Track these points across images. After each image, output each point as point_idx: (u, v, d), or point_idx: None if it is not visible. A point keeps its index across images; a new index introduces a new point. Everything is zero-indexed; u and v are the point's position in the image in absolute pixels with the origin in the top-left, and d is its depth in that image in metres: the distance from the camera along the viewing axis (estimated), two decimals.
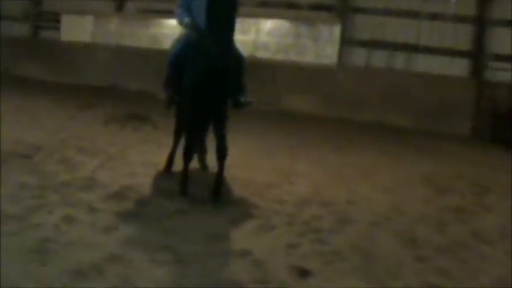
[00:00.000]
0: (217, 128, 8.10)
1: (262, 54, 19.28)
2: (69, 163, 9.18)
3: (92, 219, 6.61)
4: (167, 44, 21.48)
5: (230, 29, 7.35)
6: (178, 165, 8.71)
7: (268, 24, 19.53)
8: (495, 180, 10.93)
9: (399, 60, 18.68)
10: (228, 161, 9.32)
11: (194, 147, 8.33)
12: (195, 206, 7.47)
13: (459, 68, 18.21)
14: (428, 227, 7.56)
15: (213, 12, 7.31)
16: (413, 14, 18.48)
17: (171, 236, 6.30)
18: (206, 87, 7.64)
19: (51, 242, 5.75)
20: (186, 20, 8.27)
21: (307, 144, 12.52)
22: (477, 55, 17.97)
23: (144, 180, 8.56)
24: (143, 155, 10.40)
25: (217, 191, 7.92)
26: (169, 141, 11.80)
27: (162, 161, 9.93)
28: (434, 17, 18.34)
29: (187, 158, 8.15)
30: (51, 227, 6.20)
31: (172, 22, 21.52)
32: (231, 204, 7.75)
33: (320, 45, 19.22)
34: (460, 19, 18.17)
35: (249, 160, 10.07)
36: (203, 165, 9.49)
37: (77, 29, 22.75)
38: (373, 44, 18.80)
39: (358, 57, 19.04)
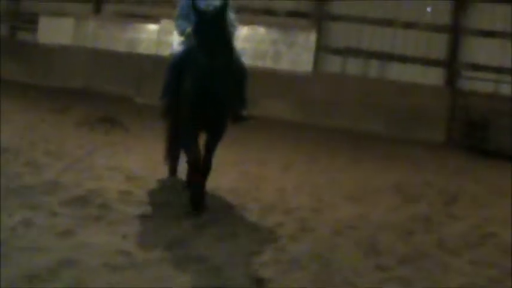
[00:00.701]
0: (210, 142, 7.88)
1: None
2: (35, 166, 9.07)
3: (51, 223, 6.48)
4: (143, 48, 21.62)
5: (221, 45, 7.12)
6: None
7: (244, 31, 19.48)
8: (464, 188, 10.97)
9: (374, 68, 18.71)
10: None
11: (198, 160, 7.76)
12: (158, 212, 7.37)
13: (433, 76, 18.32)
14: (393, 235, 7.50)
15: (201, 31, 7.14)
16: (389, 23, 18.56)
17: (129, 241, 6.20)
18: (200, 101, 7.43)
19: (5, 246, 5.63)
20: (187, 29, 8.07)
21: (278, 151, 12.49)
22: (451, 64, 18.06)
23: (108, 184, 8.45)
24: (111, 158, 10.31)
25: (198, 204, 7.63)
26: (139, 144, 11.81)
27: (128, 164, 9.87)
28: (409, 25, 18.45)
29: (195, 169, 7.75)
30: (7, 231, 6.08)
31: (149, 26, 21.63)
32: (192, 210, 7.64)
33: (296, 52, 19.25)
34: (434, 28, 18.29)
35: (217, 166, 9.98)
36: (173, 171, 9.35)
37: (54, 31, 22.60)
38: (348, 52, 18.85)
39: (333, 64, 19.10)
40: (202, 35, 7.14)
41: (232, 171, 7.30)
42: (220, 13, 7.21)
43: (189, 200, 7.63)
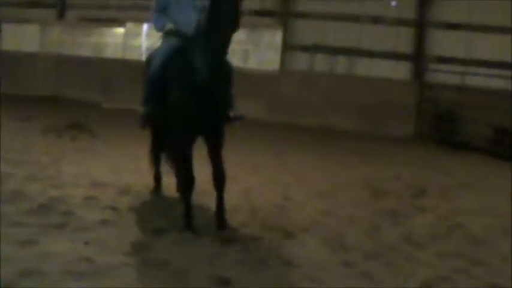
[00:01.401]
0: (212, 150, 7.23)
1: None
2: None
3: (13, 233, 6.38)
4: (109, 52, 21.49)
5: (229, 35, 6.47)
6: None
7: None
8: (433, 180, 11.03)
9: (341, 64, 18.74)
10: None
11: (193, 175, 7.14)
12: (120, 218, 7.28)
13: (400, 70, 18.39)
14: (359, 231, 7.50)
15: (215, 15, 6.39)
16: (355, 18, 18.58)
17: (91, 248, 6.12)
18: (197, 102, 6.81)
19: None
20: (168, 26, 7.64)
21: (245, 150, 12.44)
22: (418, 58, 18.13)
23: (73, 191, 8.35)
24: (77, 165, 10.20)
25: (222, 221, 7.18)
26: (106, 150, 11.72)
27: (94, 170, 9.77)
28: (375, 20, 18.48)
29: (188, 189, 7.17)
30: None
31: (115, 30, 21.50)
32: (155, 214, 7.58)
33: (263, 50, 19.24)
34: (400, 22, 18.33)
35: None
36: (158, 181, 8.85)
37: (19, 38, 22.39)
38: (314, 49, 18.84)
39: (301, 62, 19.08)
40: (217, 18, 6.38)
41: (198, 173, 7.22)
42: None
43: (183, 219, 7.11)
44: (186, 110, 6.89)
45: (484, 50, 17.54)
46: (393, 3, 18.49)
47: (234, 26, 6.45)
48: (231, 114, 7.22)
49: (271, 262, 6.08)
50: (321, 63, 18.91)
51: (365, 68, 18.64)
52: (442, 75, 17.56)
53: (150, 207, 7.90)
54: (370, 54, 18.57)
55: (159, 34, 7.98)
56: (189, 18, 7.16)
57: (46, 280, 5.23)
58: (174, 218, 7.35)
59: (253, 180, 9.92)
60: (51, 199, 7.84)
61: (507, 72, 16.66)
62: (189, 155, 7.12)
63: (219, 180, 7.23)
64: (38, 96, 20.38)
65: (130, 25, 21.16)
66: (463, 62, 17.65)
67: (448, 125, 16.78)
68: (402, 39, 18.38)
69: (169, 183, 8.65)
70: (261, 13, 19.26)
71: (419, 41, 18.18)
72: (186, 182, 7.18)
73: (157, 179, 8.78)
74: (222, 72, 6.81)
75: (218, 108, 6.99)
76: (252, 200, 8.65)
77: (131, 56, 21.06)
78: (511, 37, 17.13)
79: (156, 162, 8.72)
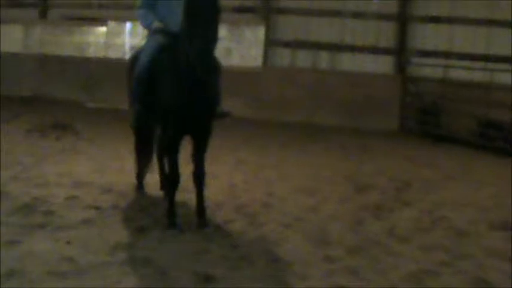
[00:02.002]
0: (198, 148, 7.20)
1: None
2: None
3: None
4: (92, 51, 21.39)
5: (214, 29, 6.47)
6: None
7: None
8: (417, 174, 11.03)
9: (324, 60, 18.73)
10: None
11: (178, 173, 7.12)
12: (102, 216, 7.24)
13: (383, 65, 18.40)
14: (343, 226, 7.49)
15: (194, 9, 6.40)
16: (336, 13, 18.56)
17: (73, 247, 6.09)
18: (189, 100, 6.74)
19: None
20: (155, 24, 7.46)
21: (228, 147, 12.40)
22: (400, 52, 18.15)
23: (56, 191, 8.31)
24: (60, 164, 10.15)
25: (203, 218, 7.13)
26: (90, 149, 11.67)
27: (78, 170, 9.72)
28: (357, 15, 18.47)
29: (173, 187, 7.14)
30: None
31: (97, 29, 21.40)
32: (138, 212, 7.55)
33: (245, 47, 19.19)
34: (382, 17, 18.34)
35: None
36: (140, 181, 8.79)
37: (2, 39, 22.20)
38: (297, 45, 18.82)
39: (283, 58, 19.05)
40: (199, 13, 6.37)
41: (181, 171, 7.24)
42: None
43: (166, 216, 7.10)
44: (175, 108, 6.83)
45: (466, 43, 17.57)
46: None
47: (214, 11, 6.44)
48: (219, 110, 7.17)
49: (255, 258, 6.06)
50: (303, 59, 18.88)
51: (348, 63, 18.62)
52: (425, 69, 17.59)
53: (133, 205, 7.88)
54: (353, 49, 18.57)
55: (144, 32, 7.85)
56: (177, 15, 6.93)
57: (29, 280, 5.22)
58: (157, 216, 7.33)
59: (236, 177, 9.91)
60: (34, 199, 7.83)
61: (490, 65, 16.70)
62: (177, 152, 7.09)
63: (199, 177, 7.19)
64: (21, 96, 20.23)
65: (112, 24, 21.05)
66: (446, 55, 17.67)
67: (431, 118, 16.83)
68: (384, 34, 18.39)
69: (152, 181, 8.64)
70: (242, 10, 19.20)
71: (402, 35, 18.18)
72: (171, 180, 7.14)
73: (140, 177, 8.72)
74: (212, 67, 6.64)
75: (208, 105, 6.94)
76: (236, 196, 8.63)
77: (114, 54, 20.96)
78: (493, 30, 17.17)
79: (139, 160, 8.64)
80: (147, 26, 7.70)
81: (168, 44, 7.15)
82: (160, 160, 8.46)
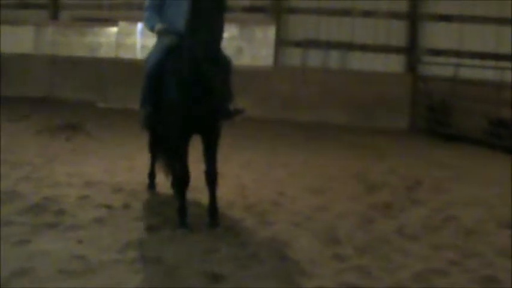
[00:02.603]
0: (208, 147, 7.20)
1: None
2: None
3: (7, 233, 6.40)
4: (103, 51, 21.47)
5: (219, 26, 6.49)
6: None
7: None
8: (427, 173, 11.01)
9: (334, 59, 18.73)
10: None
11: (188, 171, 7.15)
12: (113, 216, 7.30)
13: (394, 63, 18.38)
14: (352, 224, 7.51)
15: (199, 7, 6.43)
16: (346, 12, 18.56)
17: (84, 246, 6.15)
18: (194, 98, 6.77)
19: None
20: (159, 26, 7.51)
21: (239, 147, 12.42)
22: (411, 50, 18.13)
23: (66, 191, 8.37)
24: (71, 164, 10.21)
25: (214, 218, 7.17)
26: (100, 149, 11.73)
27: (88, 170, 9.78)
28: (367, 14, 18.45)
29: (184, 185, 7.20)
30: None
31: (108, 30, 21.48)
32: (149, 211, 7.60)
33: (256, 47, 19.22)
34: (392, 15, 18.31)
35: None
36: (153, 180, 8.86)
37: (14, 40, 22.32)
38: (307, 44, 18.82)
39: (294, 57, 19.05)
40: (202, 6, 6.41)
41: (191, 170, 7.29)
42: None
43: (177, 215, 7.13)
44: (182, 105, 6.85)
45: (476, 42, 17.53)
46: None
47: (218, 4, 6.47)
48: (231, 107, 7.12)
49: (265, 257, 6.09)
50: (314, 58, 18.88)
51: (358, 62, 18.61)
52: (435, 68, 17.57)
53: (144, 204, 7.94)
54: (363, 48, 18.56)
55: (154, 33, 7.88)
56: (184, 15, 6.90)
57: (38, 279, 5.27)
58: (167, 215, 7.38)
59: (246, 176, 9.93)
60: (45, 198, 7.88)
61: (500, 63, 16.68)
62: (186, 150, 7.11)
63: (211, 176, 7.21)
64: (32, 97, 20.32)
65: (123, 24, 21.11)
66: (456, 53, 17.64)
67: (442, 117, 16.78)
68: (395, 33, 18.37)
69: (162, 180, 8.68)
70: (253, 9, 19.23)
71: (412, 34, 18.16)
72: (181, 178, 7.18)
73: (152, 176, 8.78)
74: (220, 64, 6.66)
75: (215, 102, 6.89)
76: (245, 195, 8.67)
77: (125, 55, 21.03)
78: (503, 28, 17.14)
79: (152, 160, 8.71)
80: (150, 29, 7.74)
81: (175, 44, 7.16)
82: (153, 157, 8.61)
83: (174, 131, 7.15)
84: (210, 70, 6.49)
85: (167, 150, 8.17)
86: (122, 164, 10.42)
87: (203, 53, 6.42)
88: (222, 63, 6.82)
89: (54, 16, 22.25)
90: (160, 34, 7.61)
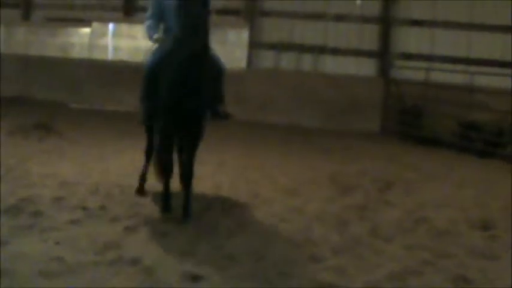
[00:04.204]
0: (187, 147, 7.54)
1: None
2: None
3: None
4: (76, 52, 21.38)
5: (203, 30, 6.82)
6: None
7: None
8: (399, 175, 11.14)
9: (307, 62, 18.85)
10: (128, 169, 9.29)
11: (172, 163, 7.61)
12: (89, 217, 7.30)
13: (366, 67, 18.59)
14: (327, 226, 7.59)
15: (183, 13, 6.79)
16: (320, 16, 18.70)
17: (62, 247, 6.13)
18: (178, 99, 7.09)
19: None
20: (156, 36, 7.83)
21: (212, 148, 12.35)
22: (383, 54, 18.32)
23: (42, 192, 8.32)
24: (45, 165, 10.14)
25: (187, 217, 7.37)
26: (74, 150, 11.67)
27: (62, 171, 9.74)
28: (340, 18, 18.61)
29: (168, 174, 7.58)
30: None
31: (81, 30, 21.40)
32: (127, 212, 7.61)
33: (229, 49, 19.24)
34: (365, 20, 18.50)
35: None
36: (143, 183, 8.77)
37: None
38: (281, 47, 18.93)
39: (267, 60, 19.17)
40: (185, 12, 6.75)
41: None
42: None
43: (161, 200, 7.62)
44: (169, 102, 7.17)
45: (447, 46, 17.79)
46: (358, 1, 18.63)
47: (203, 24, 6.79)
48: (220, 110, 7.61)
49: (242, 258, 6.14)
50: (287, 61, 19.02)
51: (331, 65, 18.80)
52: (407, 72, 17.78)
53: (120, 206, 7.91)
54: (336, 51, 18.74)
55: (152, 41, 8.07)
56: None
57: (17, 281, 5.23)
58: (144, 216, 7.40)
59: (221, 178, 9.97)
60: (20, 200, 7.78)
61: (471, 68, 16.94)
62: (170, 140, 7.52)
63: (187, 174, 7.48)
64: (4, 97, 20.13)
65: (96, 25, 21.05)
66: (428, 58, 17.88)
67: (413, 120, 17.00)
68: (367, 37, 18.58)
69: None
70: (227, 12, 19.28)
71: (384, 38, 18.39)
72: (165, 168, 7.55)
73: (143, 179, 8.67)
74: (206, 65, 7.01)
75: (199, 102, 7.17)
76: (221, 197, 8.72)
77: (98, 56, 20.96)
78: (473, 33, 17.41)
79: (147, 162, 8.66)
80: (149, 38, 8.00)
81: (169, 47, 7.36)
82: (147, 160, 8.60)
83: (162, 125, 7.49)
84: (194, 70, 6.87)
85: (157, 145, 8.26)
86: (96, 165, 10.39)
87: (189, 36, 6.72)
88: (210, 65, 7.20)
89: (26, 16, 22.12)
90: (157, 43, 7.90)
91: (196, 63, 6.88)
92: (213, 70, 7.40)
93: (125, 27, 20.63)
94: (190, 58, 6.83)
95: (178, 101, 7.12)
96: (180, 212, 7.45)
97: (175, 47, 7.01)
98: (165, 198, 7.56)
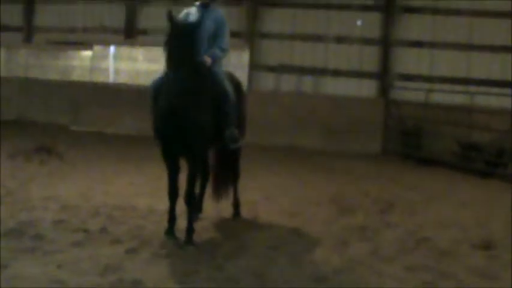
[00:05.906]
0: (189, 171, 7.61)
1: None
2: None
3: None
4: (77, 75, 21.44)
5: (186, 59, 7.09)
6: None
7: None
8: (400, 196, 11.14)
9: (308, 84, 18.90)
10: (128, 191, 9.31)
11: (176, 186, 7.66)
12: (90, 239, 7.31)
13: (366, 88, 18.59)
14: (328, 247, 7.59)
15: (169, 47, 7.13)
16: (320, 38, 18.77)
17: (63, 270, 6.14)
18: (166, 125, 7.38)
19: None
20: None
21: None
22: (383, 76, 18.35)
23: (43, 215, 8.35)
24: (46, 188, 10.17)
25: (189, 237, 7.42)
26: (75, 172, 11.70)
27: (64, 193, 9.75)
28: (340, 40, 18.68)
29: (173, 197, 7.70)
30: None
31: (82, 53, 21.46)
32: (128, 234, 7.62)
33: (229, 71, 19.27)
34: (365, 41, 18.55)
35: (155, 188, 10.02)
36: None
37: None
38: (281, 69, 18.99)
39: (267, 81, 19.21)
40: (170, 46, 7.10)
41: (163, 193, 7.45)
42: (191, 27, 7.27)
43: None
44: (162, 132, 7.48)
45: (447, 67, 17.84)
46: (358, 23, 18.70)
47: (188, 53, 7.11)
48: (226, 134, 7.68)
49: (242, 279, 6.14)
50: (287, 83, 19.07)
51: (331, 87, 18.81)
52: (407, 93, 17.82)
53: (121, 228, 7.92)
54: (336, 73, 18.77)
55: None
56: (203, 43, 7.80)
57: None
58: (146, 238, 7.41)
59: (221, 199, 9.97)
60: (21, 223, 7.82)
61: (470, 88, 17.00)
62: (173, 169, 7.65)
63: (187, 201, 7.57)
64: (5, 120, 20.18)
65: (97, 48, 21.12)
66: (428, 79, 17.93)
67: (414, 141, 16.99)
68: (367, 58, 18.61)
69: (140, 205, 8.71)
70: None
71: (384, 59, 18.40)
72: (169, 193, 7.67)
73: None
74: (192, 90, 7.20)
75: (187, 124, 7.28)
76: (222, 218, 8.73)
77: (98, 78, 21.01)
78: (473, 54, 17.49)
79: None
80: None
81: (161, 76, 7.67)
82: None
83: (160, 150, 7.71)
84: (180, 100, 7.11)
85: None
86: (97, 188, 10.40)
87: (172, 85, 7.10)
88: (204, 93, 7.47)
89: (28, 39, 22.22)
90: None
91: (182, 93, 7.08)
92: (214, 98, 7.62)
93: (126, 50, 20.70)
94: (175, 88, 7.08)
95: (165, 128, 7.40)
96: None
97: (164, 77, 7.33)
98: (168, 220, 7.64)
